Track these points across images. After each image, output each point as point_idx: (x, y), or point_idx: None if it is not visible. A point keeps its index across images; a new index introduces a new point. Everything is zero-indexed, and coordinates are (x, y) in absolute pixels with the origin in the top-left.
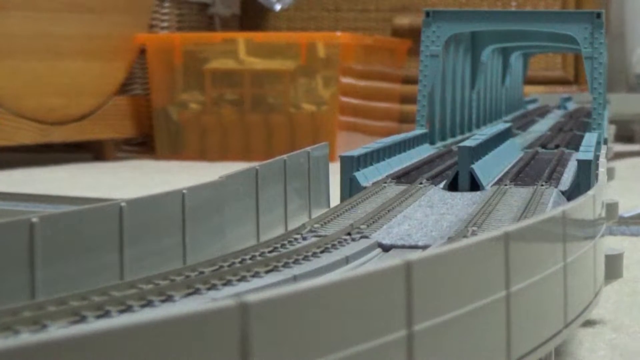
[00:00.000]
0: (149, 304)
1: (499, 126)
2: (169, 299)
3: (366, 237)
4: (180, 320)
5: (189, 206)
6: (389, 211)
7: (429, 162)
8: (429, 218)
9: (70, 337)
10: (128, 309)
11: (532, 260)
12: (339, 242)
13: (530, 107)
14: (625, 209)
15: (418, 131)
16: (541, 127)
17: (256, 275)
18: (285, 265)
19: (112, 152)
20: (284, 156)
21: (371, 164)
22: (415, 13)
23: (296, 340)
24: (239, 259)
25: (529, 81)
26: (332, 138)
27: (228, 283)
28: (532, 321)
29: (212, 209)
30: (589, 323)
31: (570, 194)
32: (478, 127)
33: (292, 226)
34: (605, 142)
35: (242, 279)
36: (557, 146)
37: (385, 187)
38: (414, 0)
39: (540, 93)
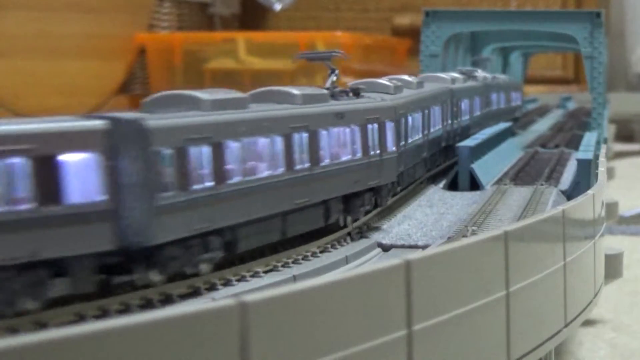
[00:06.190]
0: (149, 304)
1: (499, 126)
2: (168, 299)
3: (366, 237)
4: (180, 320)
5: None
6: (389, 211)
7: None
8: (429, 218)
9: (70, 337)
10: (128, 309)
11: (531, 260)
12: (339, 242)
13: (530, 106)
14: (625, 209)
15: None
16: (541, 126)
17: (256, 275)
18: (285, 265)
19: None
20: None
21: None
22: (415, 13)
23: (296, 340)
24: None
25: (529, 81)
26: None
27: (228, 283)
28: (532, 321)
29: None
30: (589, 322)
31: (570, 193)
32: None
33: None
34: (605, 141)
35: (242, 279)
36: (557, 146)
37: None
38: (414, 0)
39: (541, 93)
